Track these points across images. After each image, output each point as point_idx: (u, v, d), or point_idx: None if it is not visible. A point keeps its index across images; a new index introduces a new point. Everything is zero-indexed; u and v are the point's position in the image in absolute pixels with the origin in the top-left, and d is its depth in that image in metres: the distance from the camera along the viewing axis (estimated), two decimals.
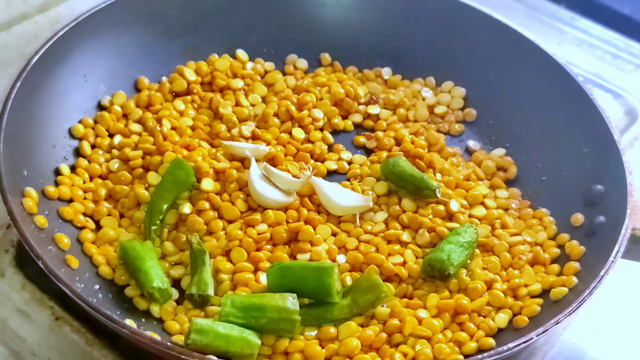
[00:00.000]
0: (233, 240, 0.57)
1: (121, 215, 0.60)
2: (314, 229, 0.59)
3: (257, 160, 0.63)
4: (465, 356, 0.52)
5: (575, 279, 0.56)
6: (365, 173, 0.65)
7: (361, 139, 0.69)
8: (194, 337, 0.49)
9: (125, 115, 0.67)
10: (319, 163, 0.66)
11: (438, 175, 0.65)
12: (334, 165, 0.66)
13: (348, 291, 0.55)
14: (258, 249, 0.58)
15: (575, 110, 0.67)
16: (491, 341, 0.53)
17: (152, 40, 0.71)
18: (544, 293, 0.56)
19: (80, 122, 0.65)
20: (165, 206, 0.59)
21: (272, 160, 0.64)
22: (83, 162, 0.63)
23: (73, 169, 0.62)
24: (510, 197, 0.65)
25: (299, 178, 0.62)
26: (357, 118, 0.71)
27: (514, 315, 0.55)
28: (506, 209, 0.64)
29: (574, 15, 0.93)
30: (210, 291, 0.54)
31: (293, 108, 0.68)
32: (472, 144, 0.71)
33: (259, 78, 0.73)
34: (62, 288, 0.49)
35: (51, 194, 0.58)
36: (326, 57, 0.77)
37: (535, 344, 0.58)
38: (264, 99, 0.71)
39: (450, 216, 0.62)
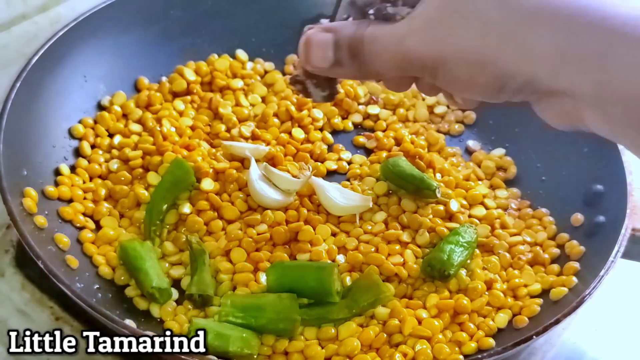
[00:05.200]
0: (233, 240, 0.57)
1: (121, 216, 0.60)
2: (314, 229, 0.59)
3: (257, 160, 0.63)
4: (465, 356, 0.52)
5: (575, 279, 0.56)
6: (365, 173, 0.65)
7: (361, 139, 0.69)
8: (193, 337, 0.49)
9: (125, 116, 0.67)
10: (318, 163, 0.66)
11: (438, 175, 0.65)
12: (334, 165, 0.66)
13: (348, 291, 0.55)
14: (258, 249, 0.58)
15: None
16: (491, 341, 0.53)
17: (152, 41, 0.71)
18: (544, 293, 0.56)
19: (80, 122, 0.65)
20: (165, 206, 0.59)
21: (272, 160, 0.64)
22: (83, 162, 0.63)
23: (73, 169, 0.62)
24: (510, 197, 0.65)
25: (298, 178, 0.62)
26: (357, 118, 0.71)
27: (514, 315, 0.55)
28: (506, 209, 0.64)
29: None
30: (210, 291, 0.54)
31: (293, 108, 0.68)
32: (472, 144, 0.71)
33: (258, 78, 0.73)
34: (62, 288, 0.49)
35: (51, 194, 0.58)
36: None
37: (535, 344, 0.58)
38: (263, 99, 0.71)
39: (450, 216, 0.62)
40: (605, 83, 0.35)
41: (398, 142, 0.68)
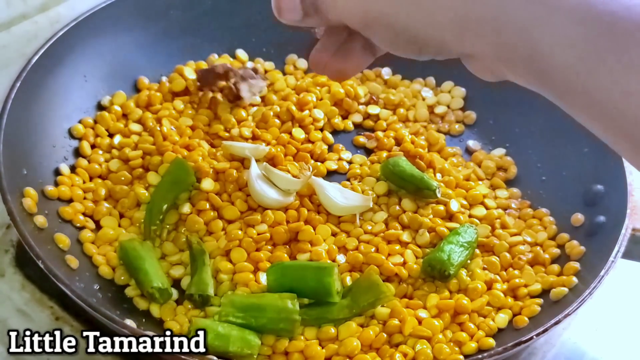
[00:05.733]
0: (233, 240, 0.57)
1: (121, 215, 0.60)
2: (314, 229, 0.59)
3: (257, 160, 0.63)
4: (466, 356, 0.52)
5: (575, 279, 0.56)
6: (365, 173, 0.65)
7: (361, 139, 0.69)
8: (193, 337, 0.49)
9: (125, 115, 0.67)
10: (319, 163, 0.66)
11: (438, 175, 0.65)
12: (334, 165, 0.66)
13: (348, 291, 0.55)
14: (258, 249, 0.58)
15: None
16: (491, 341, 0.53)
17: (152, 40, 0.71)
18: (544, 293, 0.57)
19: (80, 122, 0.65)
20: (165, 206, 0.59)
21: (272, 160, 0.64)
22: (83, 162, 0.63)
23: (73, 169, 0.62)
24: (510, 197, 0.65)
25: (298, 178, 0.62)
26: (357, 118, 0.71)
27: (514, 315, 0.55)
28: (506, 209, 0.64)
29: None
30: (210, 291, 0.54)
31: (294, 108, 0.68)
32: (472, 144, 0.71)
33: None
34: (62, 288, 0.49)
35: (51, 194, 0.58)
36: None
37: (535, 344, 0.58)
38: (264, 99, 0.71)
39: (450, 216, 0.62)
40: (502, 45, 0.36)
41: (398, 142, 0.68)
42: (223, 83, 0.67)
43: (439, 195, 0.61)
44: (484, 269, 0.58)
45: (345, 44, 0.46)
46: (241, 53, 0.75)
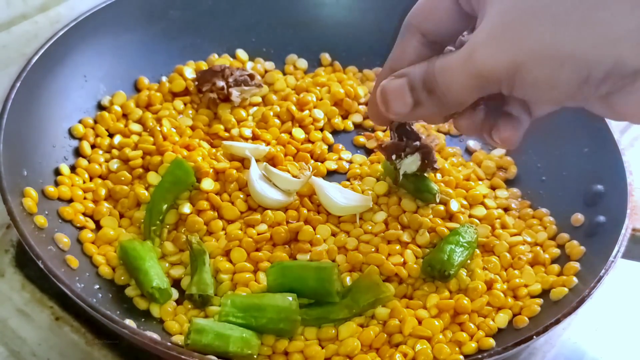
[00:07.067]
0: (233, 240, 0.57)
1: (121, 215, 0.60)
2: (314, 229, 0.59)
3: (257, 160, 0.63)
4: (466, 356, 0.52)
5: (575, 279, 0.56)
6: (365, 173, 0.65)
7: (361, 139, 0.69)
8: (193, 337, 0.49)
9: (125, 115, 0.67)
10: (319, 163, 0.66)
11: (438, 175, 0.65)
12: (334, 165, 0.66)
13: (348, 291, 0.55)
14: (258, 249, 0.58)
15: (575, 109, 0.67)
16: (491, 341, 0.53)
17: (152, 40, 0.71)
18: (544, 293, 0.56)
19: (80, 122, 0.65)
20: (165, 206, 0.59)
21: (272, 160, 0.64)
22: (83, 162, 0.63)
23: (73, 169, 0.62)
24: (510, 197, 0.65)
25: (298, 178, 0.62)
26: (357, 118, 0.71)
27: (514, 315, 0.55)
28: (506, 209, 0.64)
29: None
30: (210, 291, 0.54)
31: (294, 108, 0.68)
32: (472, 144, 0.71)
33: (258, 78, 0.73)
34: (62, 288, 0.49)
35: (51, 194, 0.58)
36: (326, 57, 0.77)
37: (535, 344, 0.58)
38: (264, 99, 0.71)
39: (450, 216, 0.62)
40: None
41: None
42: (221, 84, 0.67)
43: (438, 200, 0.61)
44: (484, 269, 0.58)
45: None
46: (241, 53, 0.75)
